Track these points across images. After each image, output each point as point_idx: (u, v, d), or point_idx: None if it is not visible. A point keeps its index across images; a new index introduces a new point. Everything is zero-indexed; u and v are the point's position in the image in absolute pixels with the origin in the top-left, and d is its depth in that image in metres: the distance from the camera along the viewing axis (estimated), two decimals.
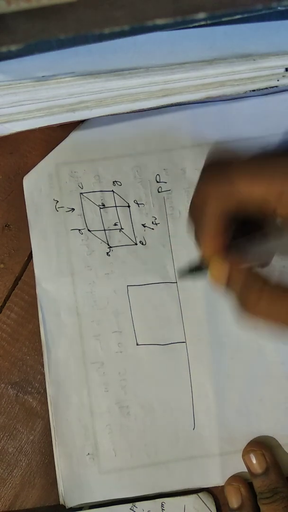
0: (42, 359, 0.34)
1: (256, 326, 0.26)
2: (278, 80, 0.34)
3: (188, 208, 0.27)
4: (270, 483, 0.33)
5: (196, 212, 0.26)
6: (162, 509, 0.34)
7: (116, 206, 0.35)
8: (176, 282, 0.35)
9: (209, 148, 0.34)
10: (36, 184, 0.35)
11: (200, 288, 0.35)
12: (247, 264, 0.26)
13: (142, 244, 0.35)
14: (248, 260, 0.26)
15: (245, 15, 0.28)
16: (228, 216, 0.25)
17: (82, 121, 0.35)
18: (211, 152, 0.26)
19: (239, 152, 0.25)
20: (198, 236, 0.27)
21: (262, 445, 0.34)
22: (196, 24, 0.28)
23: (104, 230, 0.35)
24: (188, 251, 0.35)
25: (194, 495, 0.34)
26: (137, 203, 0.35)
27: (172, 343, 0.35)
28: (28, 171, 0.35)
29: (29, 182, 0.35)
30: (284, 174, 0.24)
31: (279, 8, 0.28)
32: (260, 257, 0.27)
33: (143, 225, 0.35)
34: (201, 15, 0.25)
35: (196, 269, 0.28)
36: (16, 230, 0.36)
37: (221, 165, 0.25)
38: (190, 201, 0.27)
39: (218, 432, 0.34)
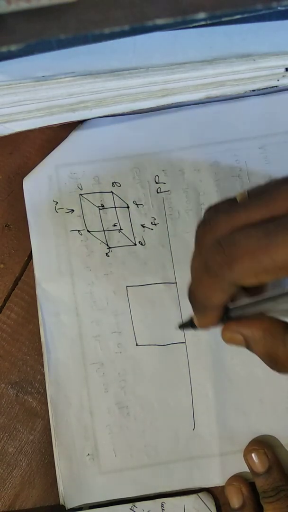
0: (42, 359, 0.34)
1: None
2: (278, 80, 0.34)
3: (188, 292, 0.26)
4: (273, 481, 0.32)
5: (197, 302, 0.26)
6: (162, 509, 0.34)
7: (115, 207, 0.35)
8: (176, 283, 0.35)
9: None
10: (35, 185, 0.35)
11: None
12: (263, 322, 0.25)
13: (142, 244, 0.35)
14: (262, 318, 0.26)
15: (245, 15, 0.28)
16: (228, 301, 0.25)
17: (82, 121, 0.35)
18: (200, 224, 0.24)
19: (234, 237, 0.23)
20: (198, 317, 0.26)
21: (263, 444, 0.34)
22: (196, 24, 0.28)
23: (104, 230, 0.35)
24: (187, 251, 0.35)
25: (194, 495, 0.34)
26: (136, 204, 0.35)
27: (171, 343, 0.35)
28: (28, 171, 0.35)
29: (28, 183, 0.35)
30: (281, 260, 0.22)
31: (279, 8, 0.28)
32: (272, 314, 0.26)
33: (142, 226, 0.35)
34: (201, 15, 0.25)
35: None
36: (16, 230, 0.35)
37: (221, 264, 0.23)
38: (188, 288, 0.26)
39: (218, 432, 0.34)
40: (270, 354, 0.25)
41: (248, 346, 0.26)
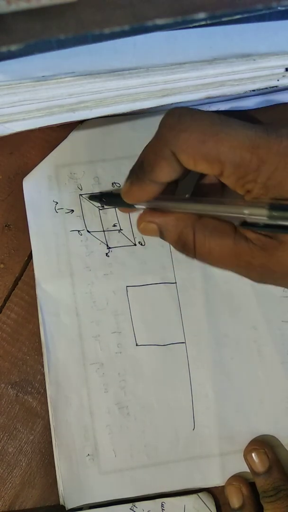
0: (42, 359, 0.34)
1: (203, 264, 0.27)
2: (278, 80, 0.34)
3: (135, 164, 0.27)
4: (273, 481, 0.32)
5: (139, 170, 0.27)
6: (162, 509, 0.34)
7: (115, 207, 0.35)
8: (176, 283, 0.35)
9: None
10: (35, 186, 0.35)
11: (200, 288, 0.35)
12: (177, 214, 0.27)
13: (141, 244, 0.35)
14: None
15: (245, 15, 0.28)
16: (169, 181, 0.26)
17: (82, 121, 0.35)
18: (167, 112, 0.25)
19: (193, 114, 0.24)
20: (131, 186, 0.27)
21: (264, 443, 0.34)
22: (196, 24, 0.28)
23: (103, 231, 0.35)
24: None
25: (194, 495, 0.34)
26: None
27: (171, 343, 0.35)
28: (28, 171, 0.35)
29: (28, 184, 0.35)
30: (227, 159, 0.23)
31: (279, 8, 0.28)
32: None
33: None
34: (201, 15, 0.25)
35: (108, 200, 0.30)
36: (16, 230, 0.35)
37: (172, 131, 0.24)
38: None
39: (218, 432, 0.34)
40: (180, 239, 0.26)
41: (161, 235, 0.27)
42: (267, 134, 0.23)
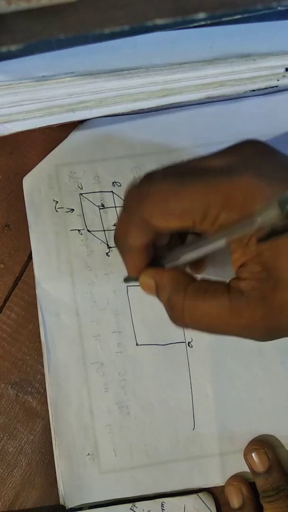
0: (42, 359, 0.34)
1: (188, 329, 0.26)
2: (278, 80, 0.34)
3: (113, 237, 0.28)
4: (273, 481, 0.32)
5: (119, 243, 0.27)
6: (162, 509, 0.34)
7: (115, 207, 0.35)
8: None
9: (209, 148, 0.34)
10: (35, 185, 0.35)
11: None
12: (171, 271, 0.27)
13: None
14: (173, 267, 0.27)
15: (245, 15, 0.28)
16: (150, 242, 0.26)
17: (82, 121, 0.35)
18: (130, 183, 0.26)
19: (156, 174, 0.25)
20: (124, 261, 0.28)
21: (264, 443, 0.34)
22: (196, 24, 0.28)
23: (104, 230, 0.35)
24: None
25: (194, 495, 0.34)
26: None
27: (172, 343, 0.35)
28: (28, 171, 0.35)
29: (28, 183, 0.35)
30: (193, 208, 0.23)
31: (279, 8, 0.28)
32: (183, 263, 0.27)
33: None
34: (201, 15, 0.25)
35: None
36: (16, 230, 0.36)
37: (135, 201, 0.25)
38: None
39: (218, 432, 0.34)
40: (170, 302, 0.26)
41: (157, 293, 0.27)
42: (228, 175, 0.23)
